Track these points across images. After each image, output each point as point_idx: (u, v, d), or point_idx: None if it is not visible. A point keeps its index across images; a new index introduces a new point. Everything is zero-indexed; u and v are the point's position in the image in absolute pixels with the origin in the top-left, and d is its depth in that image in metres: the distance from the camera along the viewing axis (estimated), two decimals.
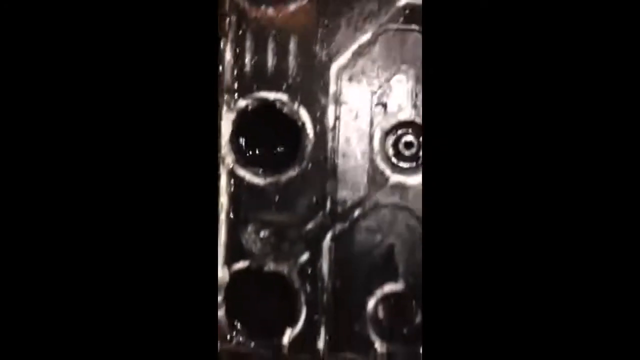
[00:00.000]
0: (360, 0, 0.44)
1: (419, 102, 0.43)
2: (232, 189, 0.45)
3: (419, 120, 0.44)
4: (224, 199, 0.45)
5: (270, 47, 0.44)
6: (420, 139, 0.44)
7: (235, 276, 0.45)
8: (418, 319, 0.45)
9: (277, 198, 0.45)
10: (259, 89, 0.44)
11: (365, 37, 0.44)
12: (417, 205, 0.44)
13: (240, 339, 0.46)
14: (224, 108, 0.45)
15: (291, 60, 0.44)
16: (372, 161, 0.44)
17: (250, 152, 0.46)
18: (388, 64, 0.44)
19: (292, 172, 0.44)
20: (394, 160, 0.44)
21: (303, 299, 0.45)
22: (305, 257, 0.45)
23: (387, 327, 0.45)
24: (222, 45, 0.44)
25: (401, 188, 0.44)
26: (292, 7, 0.44)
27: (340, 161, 0.44)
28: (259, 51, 0.44)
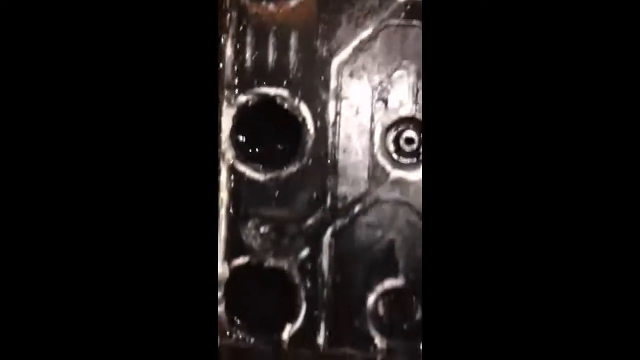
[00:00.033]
0: None
1: (420, 98, 0.43)
2: (233, 184, 0.45)
3: (419, 115, 0.44)
4: (224, 195, 0.45)
5: (271, 42, 0.44)
6: (421, 134, 0.44)
7: (235, 272, 0.45)
8: (418, 314, 0.45)
9: (277, 194, 0.45)
10: (260, 84, 0.44)
11: (366, 33, 0.44)
12: (417, 200, 0.44)
13: (240, 334, 0.46)
14: (225, 104, 0.45)
15: (292, 56, 0.44)
16: (372, 157, 0.44)
17: (251, 148, 0.46)
18: (389, 60, 0.44)
19: (293, 168, 0.44)
20: (394, 155, 0.44)
21: (303, 294, 0.45)
22: (305, 252, 0.45)
23: (387, 323, 0.45)
24: (222, 41, 0.44)
25: (402, 184, 0.44)
26: (292, 2, 0.44)
27: (340, 157, 0.44)
28: (260, 47, 0.44)
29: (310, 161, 0.44)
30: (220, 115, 0.44)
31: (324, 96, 0.44)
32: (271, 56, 0.44)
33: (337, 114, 0.44)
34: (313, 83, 0.44)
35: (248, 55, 0.44)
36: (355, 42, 0.44)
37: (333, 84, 0.44)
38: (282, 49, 0.44)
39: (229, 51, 0.44)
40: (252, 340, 0.46)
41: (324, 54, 0.44)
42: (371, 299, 0.45)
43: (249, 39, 0.44)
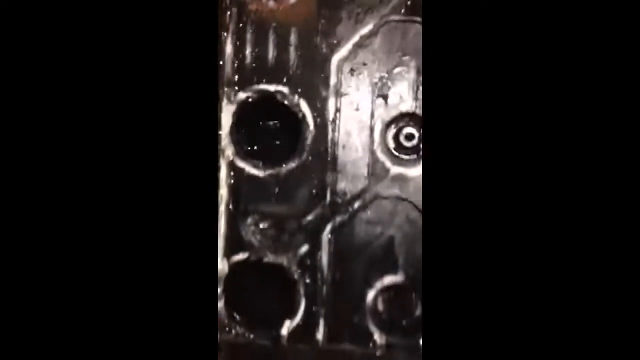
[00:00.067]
0: None
1: (420, 94, 0.43)
2: (232, 180, 0.45)
3: (419, 112, 0.44)
4: (223, 191, 0.45)
5: (271, 39, 0.44)
6: (421, 130, 0.44)
7: (234, 268, 0.45)
8: (417, 310, 0.45)
9: (277, 190, 0.45)
10: (260, 81, 0.44)
11: (366, 29, 0.44)
12: (417, 197, 0.44)
13: (240, 330, 0.46)
14: (225, 100, 0.45)
15: (292, 53, 0.44)
16: (372, 153, 0.44)
17: (251, 145, 0.46)
18: (389, 56, 0.44)
19: (292, 164, 0.44)
20: (394, 152, 0.44)
21: (302, 290, 0.45)
22: (304, 248, 0.45)
23: (387, 319, 0.45)
24: (222, 38, 0.44)
25: (401, 180, 0.44)
26: None
27: (340, 153, 0.44)
28: (260, 43, 0.44)
29: (310, 157, 0.44)
30: (220, 111, 0.44)
31: (324, 92, 0.44)
32: (271, 53, 0.44)
33: (337, 110, 0.44)
34: (313, 80, 0.44)
35: (248, 52, 0.44)
36: (355, 39, 0.44)
37: (333, 80, 0.44)
38: (282, 45, 0.44)
39: (228, 48, 0.44)
40: (252, 335, 0.46)
41: (324, 50, 0.44)
42: (370, 295, 0.45)
43: (248, 35, 0.44)
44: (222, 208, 0.45)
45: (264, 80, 0.44)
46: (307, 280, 0.45)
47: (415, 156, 0.44)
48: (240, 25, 0.44)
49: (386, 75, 0.44)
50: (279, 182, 0.45)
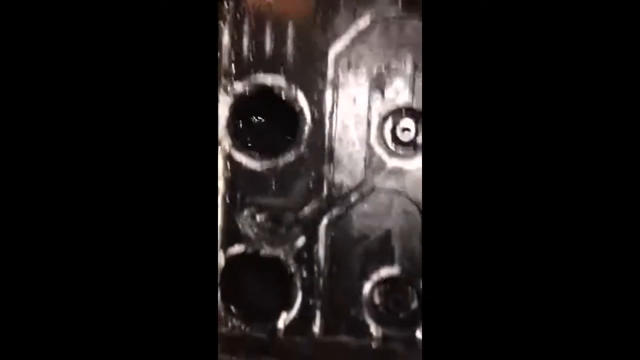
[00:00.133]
0: None
1: (417, 88, 0.43)
2: (229, 173, 0.45)
3: (416, 105, 0.44)
4: (220, 184, 0.45)
5: (268, 31, 0.44)
6: (418, 124, 0.44)
7: (231, 260, 0.46)
8: (414, 303, 0.45)
9: (273, 182, 0.45)
10: (257, 73, 0.44)
11: (363, 23, 0.43)
12: (414, 190, 0.44)
13: (236, 323, 0.46)
14: (221, 92, 0.44)
15: (289, 45, 0.44)
16: (369, 146, 0.44)
17: (247, 137, 0.46)
18: (386, 50, 0.43)
19: (289, 157, 0.44)
20: (391, 145, 0.44)
21: (299, 283, 0.45)
22: (301, 241, 0.45)
23: (383, 312, 0.45)
24: (219, 30, 0.44)
25: (398, 173, 0.44)
26: None
27: (337, 146, 0.44)
28: (257, 36, 0.44)
29: (307, 150, 0.44)
30: (217, 104, 0.44)
31: (321, 86, 0.44)
32: (268, 45, 0.44)
33: (334, 103, 0.44)
34: (310, 72, 0.44)
35: (245, 44, 0.44)
36: (352, 32, 0.44)
37: (330, 73, 0.44)
38: (280, 38, 0.44)
39: (225, 40, 0.44)
40: (248, 328, 0.46)
41: (322, 43, 0.44)
42: (367, 288, 0.45)
43: (246, 27, 0.44)
44: (218, 201, 0.45)
45: (261, 73, 0.44)
46: (304, 273, 0.45)
47: (411, 149, 0.44)
48: (238, 17, 0.44)
49: (383, 68, 0.44)
50: (275, 174, 0.45)
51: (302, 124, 0.44)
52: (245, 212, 0.45)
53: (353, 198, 0.44)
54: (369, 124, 0.44)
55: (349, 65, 0.44)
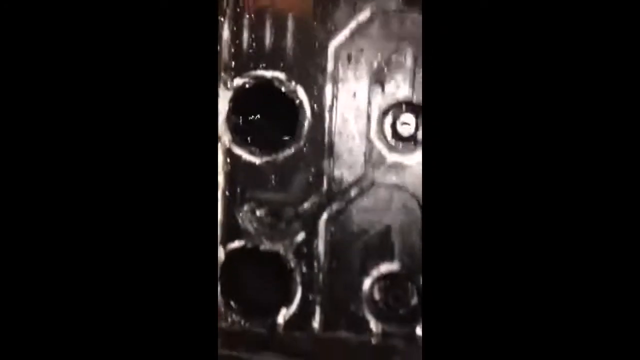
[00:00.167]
0: None
1: (417, 82, 0.43)
2: (229, 167, 0.45)
3: (416, 99, 0.43)
4: (220, 178, 0.45)
5: (268, 25, 0.44)
6: (418, 118, 0.44)
7: (230, 255, 0.46)
8: (414, 299, 0.45)
9: (273, 177, 0.45)
10: (256, 67, 0.44)
11: (363, 16, 0.43)
12: (414, 185, 0.44)
13: (236, 318, 0.46)
14: (221, 86, 0.44)
15: (289, 39, 0.44)
16: (369, 140, 0.44)
17: (247, 131, 0.46)
18: (386, 43, 0.43)
19: (289, 151, 0.44)
20: (391, 139, 0.44)
21: (299, 278, 0.45)
22: (301, 236, 0.45)
23: (383, 307, 0.45)
24: (219, 24, 0.44)
25: (398, 167, 0.44)
26: None
27: (337, 140, 0.44)
28: (257, 29, 0.44)
29: (307, 145, 0.44)
30: (217, 98, 0.44)
31: (320, 79, 0.44)
32: (268, 39, 0.44)
33: (334, 97, 0.44)
34: (310, 66, 0.44)
35: (245, 37, 0.44)
36: (352, 25, 0.43)
37: (330, 67, 0.44)
38: (279, 31, 0.44)
39: (225, 34, 0.44)
40: (247, 323, 0.46)
41: (322, 37, 0.44)
42: (367, 283, 0.45)
43: (245, 21, 0.44)
44: (218, 195, 0.45)
45: (260, 67, 0.44)
46: (304, 268, 0.45)
47: (412, 144, 0.44)
48: (238, 10, 0.44)
49: (383, 62, 0.43)
50: (275, 169, 0.45)
51: (301, 118, 0.44)
52: (245, 207, 0.45)
53: (353, 193, 0.44)
54: (369, 118, 0.44)
55: (349, 59, 0.44)
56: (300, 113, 0.44)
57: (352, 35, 0.43)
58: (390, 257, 0.44)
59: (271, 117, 0.46)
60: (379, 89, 0.44)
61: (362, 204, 0.44)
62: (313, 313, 0.45)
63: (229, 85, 0.44)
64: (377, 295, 0.45)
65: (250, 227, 0.45)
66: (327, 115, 0.44)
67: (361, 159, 0.44)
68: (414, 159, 0.44)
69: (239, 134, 0.45)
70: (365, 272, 0.45)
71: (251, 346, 0.45)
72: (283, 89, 0.44)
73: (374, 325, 0.45)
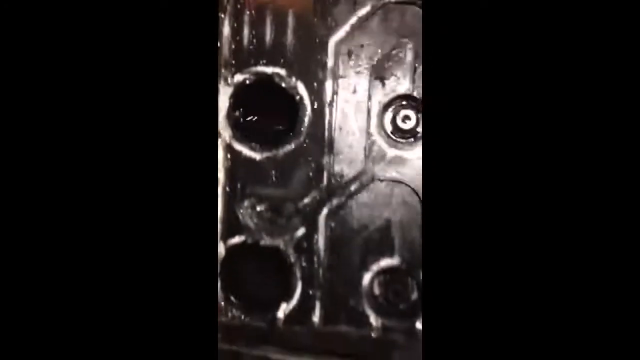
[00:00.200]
0: None
1: (417, 76, 0.43)
2: (229, 163, 0.45)
3: (417, 94, 0.43)
4: (220, 174, 0.45)
5: (268, 21, 0.44)
6: (418, 113, 0.44)
7: (231, 251, 0.46)
8: (414, 294, 0.45)
9: (273, 172, 0.45)
10: (257, 63, 0.44)
11: (363, 11, 0.43)
12: (414, 179, 0.44)
13: (236, 313, 0.46)
14: (222, 82, 0.44)
15: (289, 34, 0.44)
16: (369, 135, 0.44)
17: (247, 127, 0.46)
18: (386, 38, 0.43)
19: (289, 147, 0.44)
20: (391, 134, 0.44)
21: (299, 273, 0.45)
22: (301, 231, 0.45)
23: (383, 302, 0.45)
24: (220, 20, 0.44)
25: (398, 162, 0.44)
26: None
27: (337, 135, 0.44)
28: (257, 25, 0.44)
29: (307, 140, 0.44)
30: (217, 94, 0.44)
31: (321, 75, 0.44)
32: (268, 35, 0.44)
33: (334, 92, 0.44)
34: (310, 61, 0.44)
35: (245, 33, 0.44)
36: (352, 20, 0.43)
37: (330, 62, 0.44)
38: (280, 27, 0.44)
39: (226, 30, 0.44)
40: (248, 318, 0.46)
41: (322, 32, 0.44)
42: (367, 278, 0.45)
43: (246, 17, 0.44)
44: (218, 191, 0.45)
45: (261, 63, 0.44)
46: (304, 263, 0.45)
47: (412, 139, 0.44)
48: (238, 7, 0.44)
49: (383, 57, 0.44)
50: (275, 164, 0.45)
51: (302, 113, 0.44)
52: (246, 203, 0.45)
53: (353, 188, 0.44)
54: (369, 113, 0.44)
55: (349, 55, 0.44)
56: (301, 109, 0.44)
57: (353, 30, 0.43)
58: (390, 252, 0.44)
59: (272, 112, 0.46)
60: (379, 84, 0.44)
61: (362, 199, 0.44)
62: (313, 308, 0.45)
63: (229, 82, 0.45)
64: (377, 290, 0.45)
65: (251, 223, 0.45)
66: (327, 110, 0.44)
67: (361, 154, 0.44)
68: (414, 154, 0.44)
69: (240, 130, 0.45)
70: (365, 267, 0.45)
71: (251, 340, 0.46)
72: (283, 85, 0.44)
73: (374, 320, 0.45)
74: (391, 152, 0.44)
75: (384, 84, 0.44)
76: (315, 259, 0.45)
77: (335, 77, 0.44)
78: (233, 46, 0.44)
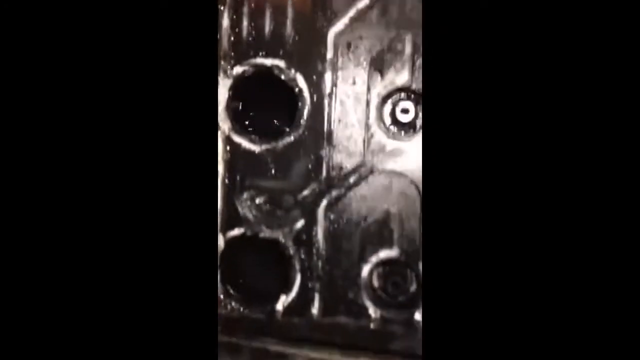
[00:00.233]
0: None
1: (416, 68, 0.43)
2: (228, 155, 0.45)
3: (415, 86, 0.43)
4: (220, 166, 0.45)
5: (268, 13, 0.44)
6: (418, 105, 0.44)
7: (230, 243, 0.46)
8: (412, 285, 0.45)
9: (273, 165, 0.45)
10: (256, 55, 0.44)
11: (363, 3, 0.43)
12: (413, 171, 0.44)
13: (235, 305, 0.46)
14: (221, 74, 0.45)
15: (289, 27, 0.44)
16: (368, 127, 0.44)
17: (247, 119, 0.46)
18: (386, 30, 0.43)
19: (289, 139, 0.44)
20: (390, 126, 0.44)
21: (298, 265, 0.45)
22: (300, 223, 0.45)
23: (382, 294, 0.45)
24: (219, 12, 0.44)
25: (397, 154, 0.44)
26: None
27: (336, 127, 0.44)
28: (256, 17, 0.44)
29: (306, 132, 0.44)
30: (217, 86, 0.44)
31: (320, 67, 0.44)
32: (268, 27, 0.44)
33: (334, 84, 0.44)
34: (309, 54, 0.44)
35: (244, 25, 0.44)
36: (352, 12, 0.43)
37: (329, 54, 0.44)
38: (279, 19, 0.44)
39: (225, 22, 0.44)
40: (247, 310, 0.46)
41: (321, 24, 0.44)
42: (366, 269, 0.45)
43: (245, 9, 0.44)
44: (218, 183, 0.45)
45: (260, 55, 0.44)
46: (303, 255, 0.45)
47: (411, 131, 0.44)
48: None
49: (383, 49, 0.44)
50: (275, 157, 0.45)
51: (301, 105, 0.44)
52: (245, 195, 0.45)
53: (352, 180, 0.44)
54: (368, 105, 0.44)
55: (349, 46, 0.44)
56: (300, 101, 0.44)
57: (352, 22, 0.43)
58: (389, 244, 0.45)
59: (271, 104, 0.46)
60: (378, 76, 0.44)
61: (361, 191, 0.45)
62: (312, 299, 0.45)
63: (228, 74, 0.45)
64: (375, 282, 0.45)
65: (250, 215, 0.45)
66: (326, 102, 0.44)
67: (360, 146, 0.44)
68: (413, 146, 0.44)
69: (239, 122, 0.45)
70: (364, 259, 0.45)
71: (250, 332, 0.46)
72: (283, 77, 0.44)
73: (372, 311, 0.45)
74: (390, 144, 0.44)
75: (383, 76, 0.44)
76: (314, 250, 0.45)
77: (335, 69, 0.44)
78: (232, 38, 0.44)
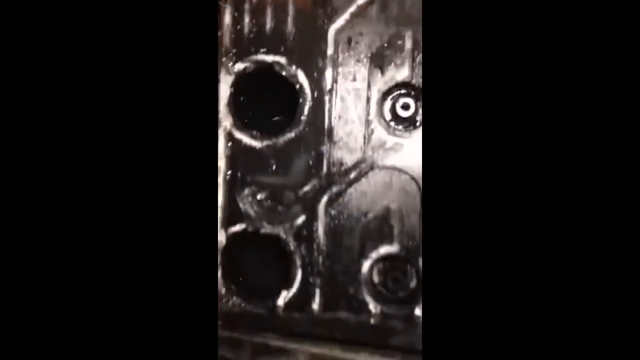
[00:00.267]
0: None
1: (417, 64, 0.43)
2: (230, 151, 0.45)
3: (416, 82, 0.43)
4: (221, 162, 0.45)
5: (269, 9, 0.44)
6: (418, 101, 0.44)
7: (231, 239, 0.46)
8: (412, 281, 0.45)
9: (274, 161, 0.45)
10: (257, 51, 0.44)
11: None
12: (413, 167, 0.44)
13: (236, 300, 0.46)
14: (222, 71, 0.45)
15: (289, 23, 0.44)
16: (368, 123, 0.44)
17: (248, 115, 0.46)
18: (386, 26, 0.43)
19: (290, 135, 0.45)
20: (391, 122, 0.44)
21: (298, 261, 0.45)
22: (301, 219, 0.45)
23: (382, 289, 0.45)
24: (220, 9, 0.44)
25: (398, 150, 0.44)
26: None
27: (337, 123, 0.44)
28: (257, 14, 0.44)
29: (307, 128, 0.44)
30: (218, 82, 0.44)
31: (321, 63, 0.44)
32: (269, 23, 0.44)
33: (334, 80, 0.44)
34: (310, 50, 0.44)
35: (246, 22, 0.44)
36: (352, 8, 0.43)
37: (330, 50, 0.44)
38: (280, 16, 0.44)
39: (226, 19, 0.44)
40: (248, 305, 0.46)
41: (322, 20, 0.44)
42: (366, 265, 0.45)
43: (246, 6, 0.44)
44: (219, 179, 0.45)
45: (261, 51, 0.44)
46: (304, 251, 0.45)
47: (411, 127, 0.44)
48: None
49: (383, 45, 0.44)
50: (276, 153, 0.45)
51: (302, 102, 0.44)
52: (246, 191, 0.45)
53: (352, 176, 0.45)
54: (368, 101, 0.44)
55: (349, 42, 0.44)
56: (301, 97, 0.44)
57: (352, 18, 0.44)
58: (389, 240, 0.45)
59: (272, 101, 0.46)
60: (378, 72, 0.44)
61: (362, 187, 0.45)
62: (313, 295, 0.45)
63: (230, 70, 0.45)
64: (376, 278, 0.45)
65: (251, 211, 0.45)
66: (327, 98, 0.44)
67: (361, 142, 0.44)
68: (413, 142, 0.44)
69: (240, 118, 0.45)
70: (364, 255, 0.45)
71: (251, 327, 0.46)
72: (284, 73, 0.44)
73: (373, 307, 0.45)
74: (390, 140, 0.44)
75: (383, 72, 0.44)
76: (315, 246, 0.45)
77: (335, 66, 0.44)
78: (233, 35, 0.44)
